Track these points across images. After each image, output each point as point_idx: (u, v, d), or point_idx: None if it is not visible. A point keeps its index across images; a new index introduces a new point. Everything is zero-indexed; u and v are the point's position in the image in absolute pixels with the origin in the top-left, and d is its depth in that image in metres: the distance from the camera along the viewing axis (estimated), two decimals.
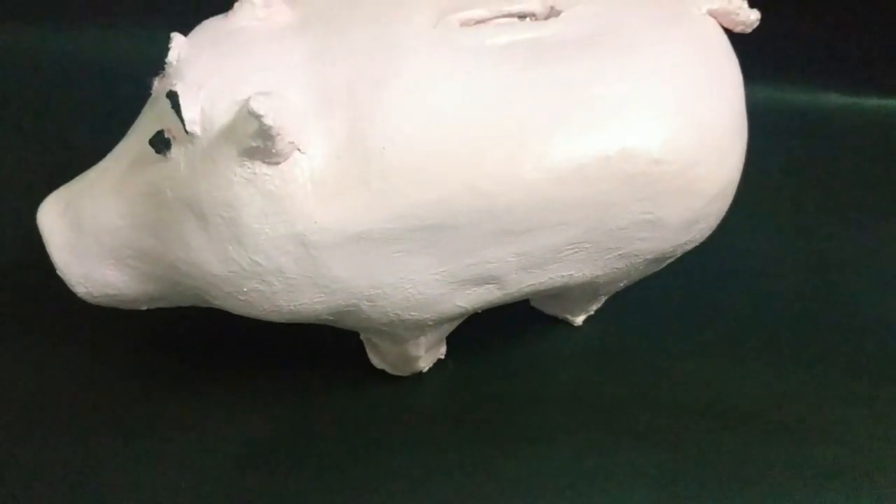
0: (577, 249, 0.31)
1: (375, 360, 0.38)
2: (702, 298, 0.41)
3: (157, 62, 0.30)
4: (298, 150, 0.28)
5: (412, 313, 0.31)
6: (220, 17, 0.31)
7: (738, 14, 0.34)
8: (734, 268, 0.41)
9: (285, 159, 0.27)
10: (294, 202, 0.28)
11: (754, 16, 0.34)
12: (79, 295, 0.33)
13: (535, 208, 0.29)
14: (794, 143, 0.51)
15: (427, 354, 0.37)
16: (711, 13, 0.34)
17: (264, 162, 0.27)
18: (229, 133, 0.27)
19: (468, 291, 0.31)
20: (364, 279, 0.29)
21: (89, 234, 0.31)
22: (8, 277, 0.43)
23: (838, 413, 0.37)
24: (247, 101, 0.26)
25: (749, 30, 0.35)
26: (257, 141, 0.27)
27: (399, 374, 0.38)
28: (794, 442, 0.36)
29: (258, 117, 0.26)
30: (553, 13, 0.32)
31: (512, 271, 0.31)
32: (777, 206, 0.47)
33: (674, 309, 0.41)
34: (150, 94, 0.31)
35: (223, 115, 0.28)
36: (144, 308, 0.34)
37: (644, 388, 0.38)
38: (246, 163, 0.27)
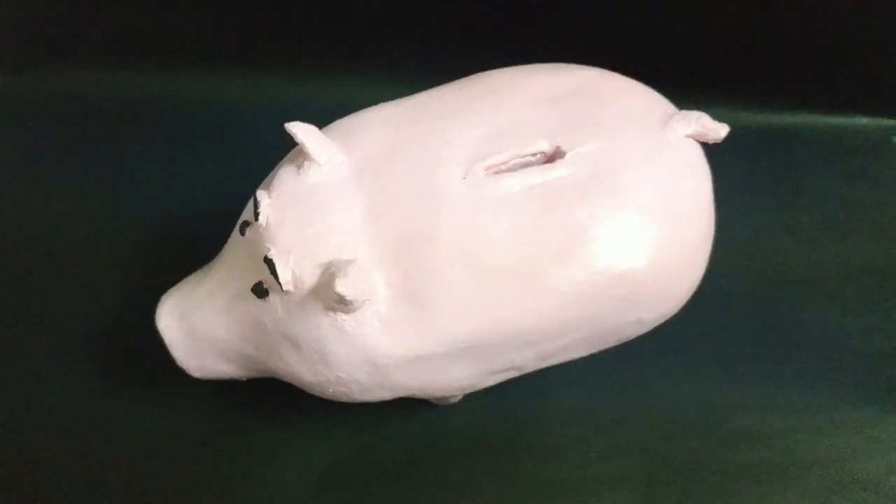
0: (580, 343, 0.40)
1: None
2: (672, 321, 0.45)
3: None
4: (368, 300, 0.37)
5: (454, 393, 0.41)
6: (292, 170, 0.39)
7: (709, 134, 0.41)
8: (700, 288, 0.44)
9: (359, 309, 0.36)
10: (366, 338, 0.37)
11: (724, 131, 0.41)
12: (194, 376, 0.43)
13: (548, 327, 0.38)
14: (752, 162, 0.58)
15: None
16: (689, 136, 0.41)
17: (344, 312, 0.36)
18: (316, 293, 0.36)
19: (496, 377, 0.41)
20: (419, 381, 0.39)
21: (203, 341, 0.41)
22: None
23: (779, 421, 0.48)
24: (332, 276, 0.35)
25: (719, 141, 0.42)
26: (340, 306, 0.35)
27: (440, 403, 0.48)
28: (744, 448, 0.47)
29: (342, 297, 0.34)
30: (559, 153, 0.39)
31: (530, 362, 0.40)
32: (737, 226, 0.54)
33: (650, 332, 0.47)
34: (240, 232, 0.40)
35: (309, 276, 0.36)
36: (245, 380, 0.44)
37: (629, 405, 0.49)
38: (330, 314, 0.36)
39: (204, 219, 0.54)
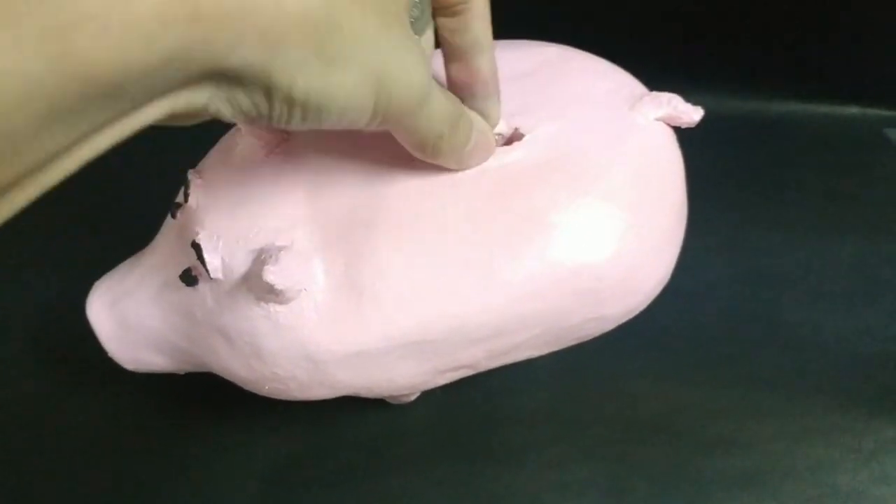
0: (536, 341, 0.37)
1: None
2: (646, 318, 0.43)
3: None
4: (304, 289, 0.34)
5: (403, 392, 0.38)
6: (227, 148, 0.36)
7: (682, 117, 0.38)
8: (676, 284, 0.42)
9: (294, 300, 0.34)
10: (303, 330, 0.34)
11: (697, 115, 0.39)
12: (127, 369, 0.40)
13: (500, 322, 0.35)
14: (734, 153, 0.55)
15: None
16: (659, 119, 0.38)
17: (277, 303, 0.34)
18: (247, 281, 0.33)
19: (447, 376, 0.38)
20: (362, 379, 0.36)
21: (134, 331, 0.38)
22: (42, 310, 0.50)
23: (757, 427, 0.45)
24: (263, 263, 0.32)
25: (693, 125, 0.39)
26: (271, 296, 0.33)
27: (394, 402, 0.45)
28: (719, 454, 0.44)
29: (271, 286, 0.32)
30: (516, 135, 0.37)
31: (482, 360, 0.38)
32: (719, 220, 0.52)
33: (622, 330, 0.44)
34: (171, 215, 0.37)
35: (241, 264, 0.34)
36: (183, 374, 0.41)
37: (596, 407, 0.46)
38: (262, 304, 0.34)
39: (146, 199, 0.50)
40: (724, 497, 0.43)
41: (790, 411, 0.46)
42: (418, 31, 0.33)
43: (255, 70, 0.23)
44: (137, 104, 0.22)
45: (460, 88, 0.35)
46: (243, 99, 0.24)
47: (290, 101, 0.25)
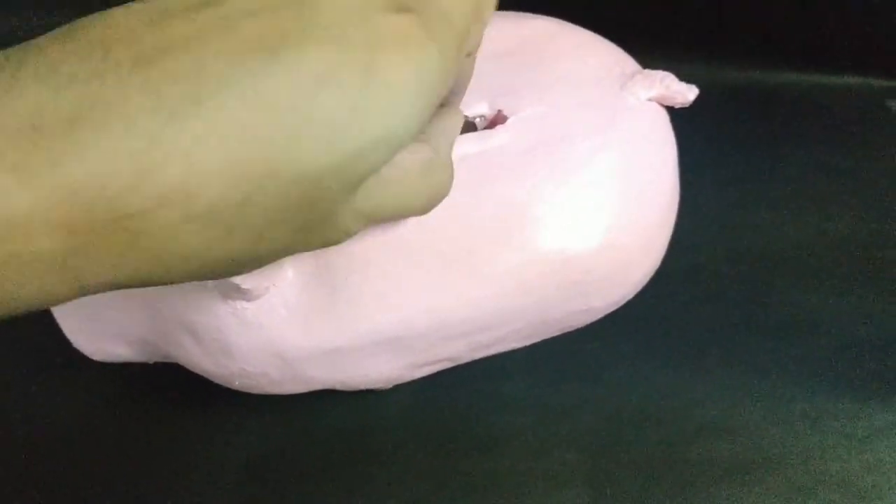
0: (519, 334, 0.36)
1: None
2: (631, 301, 0.42)
3: None
4: (273, 285, 0.32)
5: (379, 386, 0.37)
6: None
7: (675, 97, 0.36)
8: (663, 265, 0.41)
9: (261, 296, 0.32)
10: (272, 328, 0.32)
11: (692, 95, 0.37)
12: (94, 359, 0.38)
13: (481, 318, 0.34)
14: (726, 125, 0.52)
15: None
16: (652, 99, 0.36)
17: (244, 300, 0.32)
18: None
19: (425, 369, 0.37)
20: (336, 375, 0.35)
21: (97, 322, 0.36)
22: None
23: (745, 413, 0.44)
24: None
25: (687, 105, 0.37)
26: (237, 294, 0.31)
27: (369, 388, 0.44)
28: (705, 441, 0.43)
29: (236, 284, 0.30)
30: (500, 118, 0.34)
31: (463, 354, 0.36)
32: (708, 196, 0.50)
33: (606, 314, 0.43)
34: None
35: None
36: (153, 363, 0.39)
37: (580, 393, 0.44)
38: (229, 301, 0.32)
39: None
40: (711, 485, 0.41)
41: (780, 397, 0.44)
42: None
43: None
44: None
45: None
46: None
47: None
